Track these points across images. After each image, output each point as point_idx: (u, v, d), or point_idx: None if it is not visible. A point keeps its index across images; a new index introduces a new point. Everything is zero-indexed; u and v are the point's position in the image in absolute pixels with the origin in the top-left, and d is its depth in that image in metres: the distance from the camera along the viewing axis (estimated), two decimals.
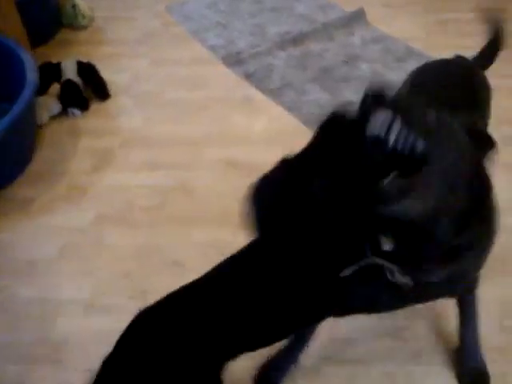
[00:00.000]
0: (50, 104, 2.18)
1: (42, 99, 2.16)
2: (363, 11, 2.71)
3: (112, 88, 2.32)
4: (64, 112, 2.20)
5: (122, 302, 1.51)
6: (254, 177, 1.87)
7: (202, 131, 2.10)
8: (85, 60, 2.31)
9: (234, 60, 2.46)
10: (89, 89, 2.26)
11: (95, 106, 2.26)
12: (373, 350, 1.38)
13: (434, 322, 1.44)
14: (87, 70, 2.25)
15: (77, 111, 2.20)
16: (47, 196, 1.88)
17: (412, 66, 2.29)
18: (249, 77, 2.36)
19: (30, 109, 1.94)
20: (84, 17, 2.79)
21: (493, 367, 1.30)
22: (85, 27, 2.80)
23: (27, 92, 1.86)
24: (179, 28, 2.77)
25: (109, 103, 2.28)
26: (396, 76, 2.32)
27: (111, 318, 1.44)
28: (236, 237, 1.69)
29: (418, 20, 2.71)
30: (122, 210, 1.80)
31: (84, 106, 2.21)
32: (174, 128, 2.13)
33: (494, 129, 1.24)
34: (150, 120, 2.18)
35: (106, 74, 2.34)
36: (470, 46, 2.51)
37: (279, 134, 2.07)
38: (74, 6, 2.77)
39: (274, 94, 2.25)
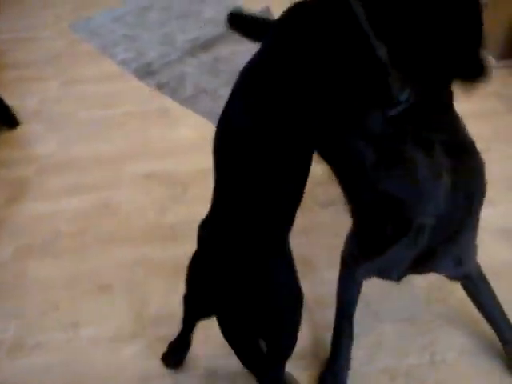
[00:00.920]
0: None
1: None
2: (269, 10, 2.76)
3: (21, 114, 2.23)
4: None
5: (52, 337, 1.45)
6: (178, 188, 1.88)
7: (119, 148, 2.06)
8: None
9: (145, 72, 2.43)
10: None
11: (4, 135, 2.16)
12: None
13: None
14: None
15: None
16: None
17: None
18: (162, 87, 2.34)
19: None
20: None
21: None
22: None
23: None
24: (87, 45, 2.71)
25: (19, 130, 2.19)
26: None
27: (42, 357, 1.39)
28: (163, 251, 1.69)
29: None
30: (43, 239, 1.73)
31: None
32: (90, 148, 2.07)
33: None
34: (65, 143, 2.11)
35: (13, 99, 2.25)
36: None
37: (198, 142, 2.06)
38: None
39: (190, 102, 2.25)
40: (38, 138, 2.16)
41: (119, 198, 1.86)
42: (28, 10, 3.07)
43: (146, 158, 2.01)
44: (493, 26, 2.35)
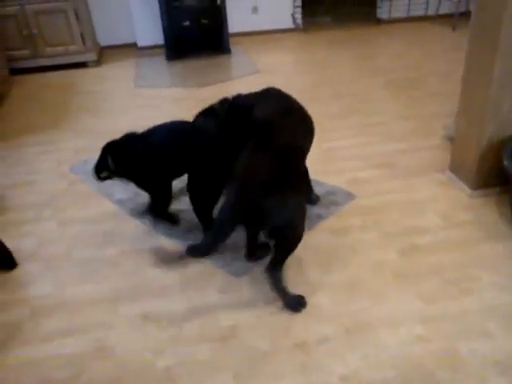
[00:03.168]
0: None
1: None
2: None
3: (18, 255, 2.28)
4: None
5: None
6: (173, 328, 1.88)
7: (115, 288, 2.09)
8: None
9: (141, 211, 2.54)
10: None
11: (1, 277, 2.18)
12: None
13: None
14: None
15: None
16: None
17: None
18: (157, 226, 2.43)
19: None
20: None
21: None
22: None
23: None
24: (84, 186, 2.85)
25: (16, 272, 2.22)
26: None
27: None
28: None
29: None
30: None
31: None
32: (85, 288, 2.10)
33: None
34: (61, 284, 2.13)
35: (11, 242, 2.31)
36: (352, 169, 2.81)
37: (193, 278, 2.12)
38: None
39: (184, 239, 2.32)
40: (34, 279, 2.18)
41: (114, 340, 1.84)
42: (30, 155, 3.26)
43: (140, 298, 2.03)
44: (466, 157, 2.56)
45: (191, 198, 2.29)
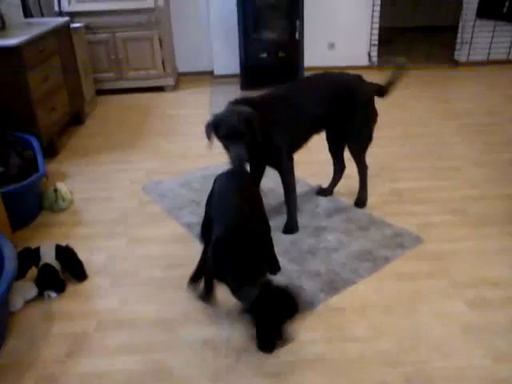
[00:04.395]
0: (26, 289, 2.20)
1: (18, 284, 2.19)
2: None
3: (89, 268, 2.38)
4: (40, 295, 2.22)
5: None
6: (232, 356, 1.88)
7: (178, 310, 2.13)
8: (64, 243, 2.40)
9: None
10: (66, 271, 2.31)
11: (72, 288, 2.29)
12: None
13: None
14: (65, 254, 2.32)
15: (53, 294, 2.22)
16: None
17: (374, 233, 2.49)
18: None
19: (4, 300, 1.95)
20: (64, 200, 2.95)
21: None
22: (64, 209, 2.95)
23: (2, 286, 1.87)
24: (155, 206, 2.95)
25: (85, 284, 2.32)
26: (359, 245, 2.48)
27: None
28: None
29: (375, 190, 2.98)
30: None
31: (60, 289, 2.24)
32: (150, 308, 2.15)
33: None
34: (127, 300, 2.20)
35: (83, 254, 2.42)
36: (422, 212, 2.76)
37: None
38: (55, 191, 2.95)
39: None
40: (102, 293, 2.26)
41: (173, 363, 1.87)
42: (107, 173, 3.43)
43: (202, 323, 2.05)
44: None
45: None
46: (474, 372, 1.79)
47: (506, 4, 5.32)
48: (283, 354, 1.89)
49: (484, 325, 2.00)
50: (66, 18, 4.21)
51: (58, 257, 2.29)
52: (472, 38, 5.57)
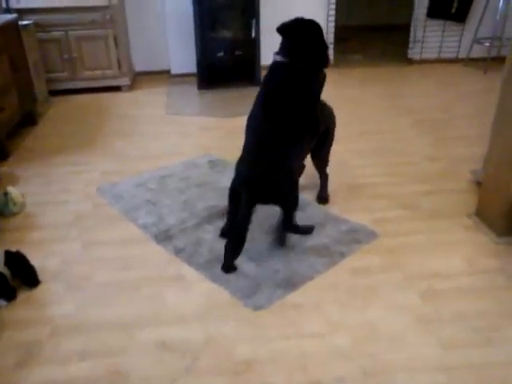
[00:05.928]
0: None
1: None
2: None
3: (42, 274, 2.32)
4: None
5: None
6: (189, 357, 1.87)
7: (134, 313, 2.10)
8: (16, 248, 2.33)
9: (164, 237, 2.57)
10: (17, 278, 2.24)
11: (24, 295, 2.22)
12: None
13: None
14: (15, 260, 2.26)
15: (2, 302, 2.14)
16: None
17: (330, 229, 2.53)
18: (179, 252, 2.45)
19: None
20: (15, 204, 2.86)
21: None
22: (16, 214, 2.86)
23: None
24: (111, 208, 2.90)
25: (39, 290, 2.25)
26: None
27: None
28: None
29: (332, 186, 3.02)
30: None
31: (11, 296, 2.17)
32: (106, 312, 2.11)
33: None
34: (81, 305, 2.15)
35: (36, 259, 2.36)
36: (377, 208, 2.82)
37: (211, 308, 2.11)
38: (5, 194, 2.85)
39: (204, 268, 2.34)
40: (56, 298, 2.21)
41: (130, 366, 1.84)
42: (61, 175, 3.35)
43: (158, 325, 2.03)
44: (494, 202, 2.54)
45: None
46: (427, 361, 1.85)
47: (455, 5, 5.50)
48: (241, 352, 1.89)
49: (435, 315, 2.06)
50: (15, 15, 4.08)
51: (7, 263, 2.22)
52: (424, 37, 5.72)
